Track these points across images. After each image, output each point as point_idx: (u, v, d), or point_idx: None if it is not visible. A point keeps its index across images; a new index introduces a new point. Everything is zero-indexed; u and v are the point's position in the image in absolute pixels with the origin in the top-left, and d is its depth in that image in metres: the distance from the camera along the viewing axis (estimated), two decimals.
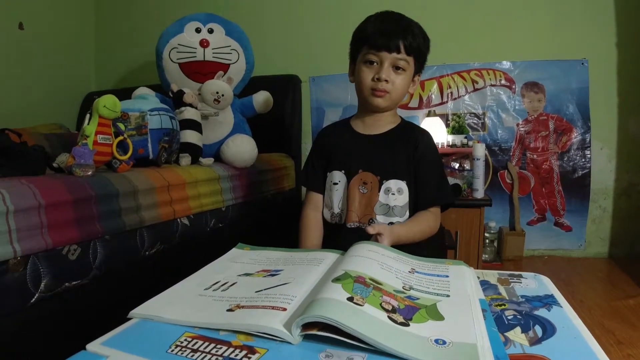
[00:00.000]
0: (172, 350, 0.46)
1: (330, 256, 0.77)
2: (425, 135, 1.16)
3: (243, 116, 1.93)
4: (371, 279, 0.61)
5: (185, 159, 1.58)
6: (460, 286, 0.64)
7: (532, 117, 2.43)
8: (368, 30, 1.06)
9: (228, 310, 0.55)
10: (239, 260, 0.81)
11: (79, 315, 1.04)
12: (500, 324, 0.53)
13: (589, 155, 2.37)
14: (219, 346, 0.47)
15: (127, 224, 1.16)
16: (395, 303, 0.55)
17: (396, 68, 1.06)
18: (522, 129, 2.45)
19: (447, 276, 0.69)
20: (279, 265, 0.75)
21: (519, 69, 2.45)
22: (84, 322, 1.04)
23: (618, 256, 2.35)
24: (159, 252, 1.30)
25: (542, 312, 0.57)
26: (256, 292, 0.61)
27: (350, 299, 0.52)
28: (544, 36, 2.41)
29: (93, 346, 0.48)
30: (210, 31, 1.91)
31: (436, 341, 0.47)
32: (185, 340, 0.49)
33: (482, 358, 0.43)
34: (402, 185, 1.10)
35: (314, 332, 0.48)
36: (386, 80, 1.06)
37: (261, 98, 1.91)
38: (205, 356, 0.45)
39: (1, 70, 2.40)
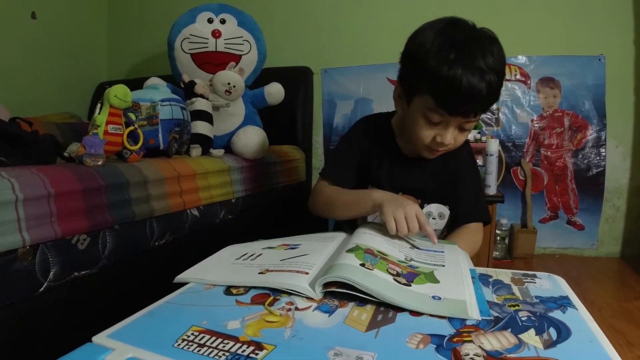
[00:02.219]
0: (179, 345, 0.46)
1: (340, 235, 0.88)
2: (466, 146, 1.11)
3: (254, 107, 1.93)
4: (378, 251, 0.72)
5: (196, 150, 1.58)
6: (453, 259, 0.76)
7: (547, 113, 2.39)
8: (442, 83, 0.83)
9: (260, 273, 0.66)
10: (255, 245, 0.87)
11: (88, 305, 1.05)
12: (514, 326, 0.52)
13: (603, 153, 2.33)
14: (226, 341, 0.46)
15: (137, 214, 1.16)
16: (399, 269, 0.66)
17: (463, 128, 0.93)
18: (536, 125, 2.41)
19: (443, 252, 0.80)
20: (296, 240, 0.85)
21: (535, 63, 2.41)
22: (92, 312, 1.04)
23: (630, 256, 2.31)
24: (169, 243, 1.30)
25: (556, 314, 0.55)
26: (281, 260, 0.71)
27: (362, 265, 0.63)
28: (561, 31, 2.36)
29: (99, 338, 0.48)
30: (223, 22, 1.90)
31: (433, 297, 0.58)
32: (192, 334, 0.48)
33: (469, 309, 0.54)
34: (444, 210, 1.09)
35: (333, 289, 0.58)
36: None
37: (273, 89, 1.90)
38: (212, 351, 0.44)
39: (14, 60, 2.41)
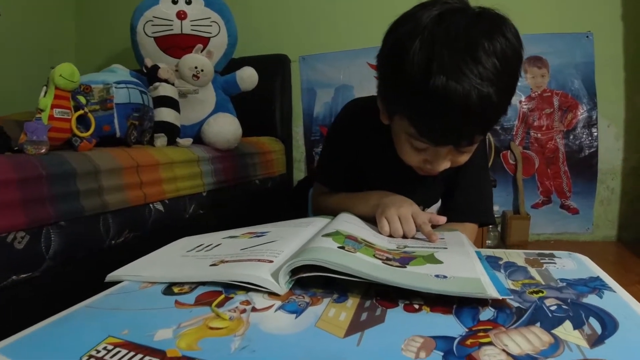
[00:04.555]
0: None
1: (319, 220, 0.73)
2: None
3: (226, 94, 1.78)
4: (363, 239, 0.59)
5: (161, 140, 1.43)
6: (456, 241, 0.64)
7: (536, 93, 2.29)
8: (420, 102, 0.64)
9: (212, 265, 0.52)
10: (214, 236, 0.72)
11: (30, 313, 0.90)
12: (542, 318, 0.39)
13: (595, 134, 2.23)
14: (146, 358, 0.33)
15: (87, 208, 1.02)
16: (389, 255, 0.53)
17: (461, 151, 0.74)
18: (525, 106, 2.30)
19: (443, 237, 0.68)
20: (265, 228, 0.71)
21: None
22: (36, 321, 0.90)
23: (627, 239, 2.22)
24: (129, 241, 1.15)
25: (592, 300, 0.43)
26: (241, 249, 0.57)
27: (342, 248, 0.50)
28: (547, 8, 2.26)
29: None
30: (188, 2, 1.75)
31: (437, 276, 0.45)
32: (105, 348, 0.35)
33: (486, 286, 0.42)
34: None
35: (304, 274, 0.45)
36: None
37: (245, 74, 1.76)
38: None
39: None
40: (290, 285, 0.45)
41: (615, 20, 2.20)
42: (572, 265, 0.53)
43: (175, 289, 0.48)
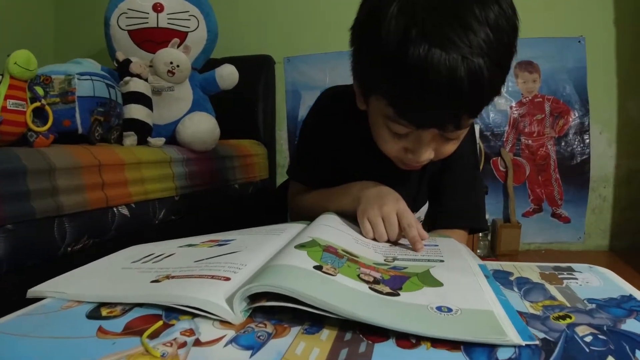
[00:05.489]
0: None
1: (296, 226, 0.62)
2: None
3: (205, 93, 1.67)
4: (344, 250, 0.48)
5: (130, 138, 1.32)
6: (453, 251, 0.54)
7: (527, 98, 2.23)
8: (399, 76, 0.54)
9: (153, 281, 0.42)
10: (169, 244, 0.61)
11: None
12: (577, 353, 0.29)
13: (587, 140, 2.17)
14: None
15: (39, 210, 0.90)
16: (377, 274, 0.42)
17: (447, 137, 0.64)
18: (515, 111, 2.24)
19: (437, 245, 0.58)
20: (230, 235, 0.60)
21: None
22: None
23: (619, 248, 2.15)
24: (88, 248, 1.04)
25: (632, 326, 0.34)
26: (195, 261, 0.46)
27: (318, 268, 0.39)
28: (538, 11, 2.20)
29: None
30: None
31: (439, 308, 0.35)
32: None
33: (505, 327, 0.32)
34: None
35: (267, 303, 0.34)
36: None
37: (225, 71, 1.65)
38: None
39: None
40: (248, 314, 0.35)
41: (607, 25, 2.15)
42: (597, 281, 0.44)
43: (104, 311, 0.38)
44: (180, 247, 0.55)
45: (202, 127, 1.48)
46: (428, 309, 0.34)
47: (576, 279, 0.44)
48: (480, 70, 0.52)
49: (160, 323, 0.34)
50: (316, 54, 2.40)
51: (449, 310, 0.34)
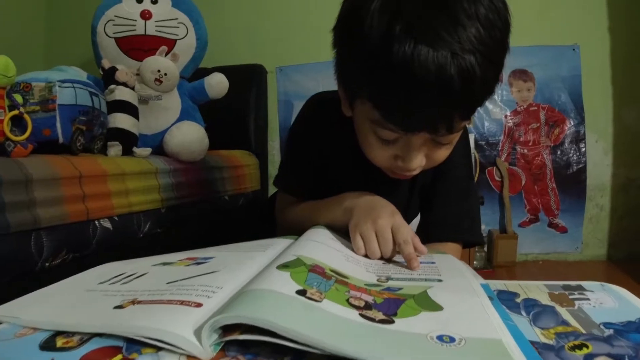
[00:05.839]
0: None
1: (282, 242, 0.57)
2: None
3: (193, 102, 1.63)
4: (332, 270, 0.44)
5: (115, 149, 1.28)
6: (453, 269, 0.50)
7: (522, 107, 2.20)
8: (383, 76, 0.51)
9: (116, 307, 0.37)
10: (143, 262, 0.56)
11: None
12: None
13: (583, 149, 2.15)
14: None
15: (14, 223, 0.85)
16: (369, 298, 0.38)
17: (439, 142, 0.60)
18: (510, 120, 2.21)
19: (434, 262, 0.53)
20: (209, 252, 0.55)
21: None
22: None
23: (617, 258, 2.12)
24: (68, 263, 0.99)
25: None
26: (167, 283, 0.41)
27: (302, 293, 0.34)
28: (532, 20, 2.19)
29: None
30: (154, 1, 1.62)
31: (440, 338, 0.30)
32: None
33: (515, 359, 0.28)
34: None
35: (241, 337, 0.29)
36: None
37: (214, 80, 1.62)
38: None
39: None
40: (220, 347, 0.30)
41: (602, 33, 2.14)
42: (611, 302, 0.40)
43: (60, 341, 0.33)
44: (155, 265, 0.50)
45: (190, 136, 1.44)
46: (427, 339, 0.30)
47: (588, 299, 0.40)
48: (471, 68, 0.48)
49: (119, 357, 0.29)
50: (309, 63, 2.37)
51: (452, 340, 0.30)
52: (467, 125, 0.74)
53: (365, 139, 0.62)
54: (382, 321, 0.32)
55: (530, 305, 0.39)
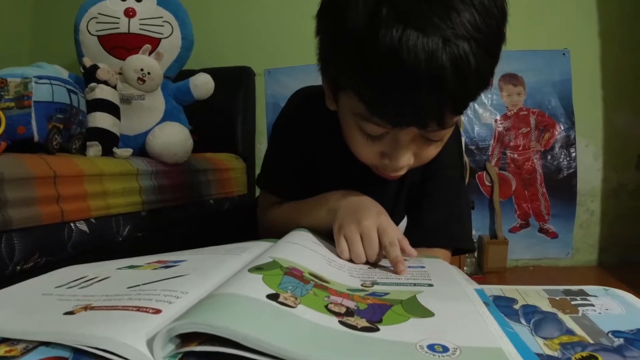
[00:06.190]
0: None
1: (262, 245, 0.52)
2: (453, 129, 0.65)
3: (179, 103, 1.59)
4: (312, 274, 0.40)
5: (94, 149, 1.23)
6: (444, 273, 0.47)
7: (512, 112, 2.19)
8: (369, 65, 0.46)
9: (67, 313, 0.32)
10: (108, 265, 0.51)
11: None
12: None
13: (574, 154, 2.13)
14: None
15: None
16: (351, 304, 0.34)
17: (428, 139, 0.56)
18: (500, 125, 2.20)
19: (424, 266, 0.50)
20: (183, 255, 0.50)
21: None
22: None
23: (608, 264, 2.10)
24: (41, 267, 0.94)
25: None
26: (128, 287, 0.37)
27: (273, 297, 0.30)
28: (522, 24, 2.17)
29: None
30: None
31: (431, 347, 0.26)
32: None
33: None
34: None
35: (199, 348, 0.24)
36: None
37: (199, 80, 1.58)
38: None
39: None
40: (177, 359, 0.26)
41: (592, 37, 2.15)
42: (618, 308, 0.36)
43: (2, 349, 0.29)
44: (120, 268, 0.46)
45: (173, 138, 1.39)
46: (417, 349, 0.26)
47: (593, 305, 0.37)
48: (465, 56, 0.44)
49: None
50: (298, 66, 2.34)
51: (445, 349, 0.26)
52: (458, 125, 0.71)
53: (350, 135, 0.58)
54: (365, 329, 0.28)
55: (530, 312, 0.35)
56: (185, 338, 0.26)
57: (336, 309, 0.31)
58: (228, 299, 0.28)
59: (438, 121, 0.50)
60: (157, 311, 0.30)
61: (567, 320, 0.34)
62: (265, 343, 0.23)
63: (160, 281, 0.37)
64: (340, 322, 0.29)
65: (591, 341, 0.30)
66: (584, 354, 0.28)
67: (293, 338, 0.24)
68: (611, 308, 0.36)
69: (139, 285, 0.36)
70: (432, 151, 0.58)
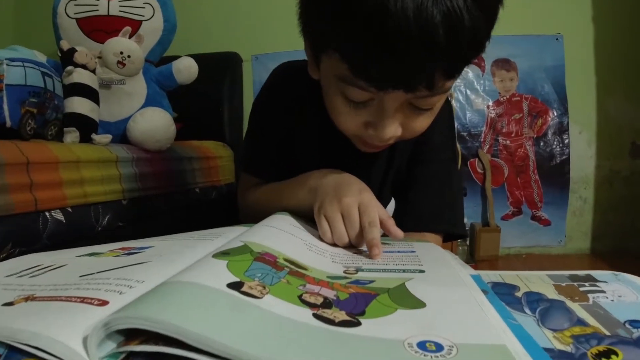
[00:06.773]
0: None
1: (238, 230, 0.46)
2: (444, 107, 0.61)
3: (161, 88, 1.53)
4: (287, 260, 0.35)
5: (71, 135, 1.17)
6: (436, 258, 0.41)
7: (504, 98, 2.15)
8: (353, 19, 0.42)
9: (5, 304, 0.28)
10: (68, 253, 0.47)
11: None
12: None
13: (567, 140, 2.10)
14: None
15: None
16: (330, 293, 0.29)
17: (417, 107, 0.51)
18: (493, 111, 2.16)
19: (414, 251, 0.45)
20: (151, 242, 0.45)
21: (488, 44, 2.16)
22: None
23: (601, 251, 2.09)
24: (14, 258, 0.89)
25: None
26: (81, 276, 0.32)
27: (236, 286, 0.25)
28: (515, 9, 2.12)
29: None
30: None
31: (421, 346, 0.22)
32: None
33: None
34: None
35: (142, 348, 0.20)
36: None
37: (182, 64, 1.52)
38: None
39: None
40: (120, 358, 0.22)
41: (585, 22, 2.11)
42: (632, 295, 0.33)
43: None
44: (79, 256, 0.41)
45: (154, 123, 1.33)
46: (405, 348, 0.22)
47: (604, 291, 0.33)
48: (459, 12, 0.40)
49: None
50: (286, 51, 2.27)
51: (439, 348, 0.22)
52: (450, 101, 0.67)
53: (332, 103, 0.54)
54: (343, 323, 0.24)
55: (535, 300, 0.31)
56: (131, 335, 0.22)
57: (311, 300, 0.27)
58: (179, 288, 0.23)
59: (427, 83, 0.45)
60: (104, 302, 0.25)
61: (577, 309, 0.30)
62: (216, 342, 0.18)
63: (117, 269, 0.32)
64: (315, 316, 0.24)
65: (607, 333, 0.26)
66: (601, 348, 0.24)
67: (252, 336, 0.20)
68: (624, 295, 0.32)
69: (92, 274, 0.32)
70: (421, 122, 0.54)
